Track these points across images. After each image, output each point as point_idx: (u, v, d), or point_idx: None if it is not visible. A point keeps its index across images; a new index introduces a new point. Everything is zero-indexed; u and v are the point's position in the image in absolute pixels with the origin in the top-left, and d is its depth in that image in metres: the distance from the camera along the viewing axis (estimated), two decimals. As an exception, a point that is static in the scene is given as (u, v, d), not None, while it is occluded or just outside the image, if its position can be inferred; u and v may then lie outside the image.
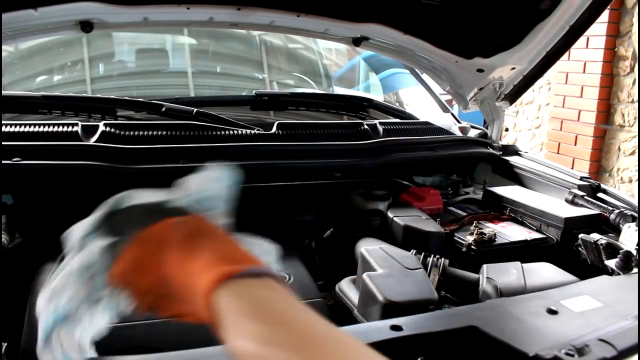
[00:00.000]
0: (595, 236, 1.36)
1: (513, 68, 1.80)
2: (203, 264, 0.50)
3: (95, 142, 1.39)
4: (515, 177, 1.83)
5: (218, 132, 1.54)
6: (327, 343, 0.45)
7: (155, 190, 0.64)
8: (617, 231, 1.40)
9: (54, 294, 0.60)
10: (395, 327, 0.88)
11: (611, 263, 1.26)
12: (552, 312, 0.96)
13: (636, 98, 3.98)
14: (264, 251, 0.65)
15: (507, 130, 5.12)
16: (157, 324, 0.97)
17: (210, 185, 0.69)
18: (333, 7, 1.57)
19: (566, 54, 1.82)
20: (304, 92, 2.31)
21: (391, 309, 1.00)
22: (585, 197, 1.56)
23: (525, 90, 1.94)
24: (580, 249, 1.39)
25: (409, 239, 1.40)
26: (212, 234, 0.55)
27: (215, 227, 0.57)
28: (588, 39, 4.10)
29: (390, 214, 1.49)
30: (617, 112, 4.14)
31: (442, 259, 1.23)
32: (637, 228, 1.34)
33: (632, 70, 4.01)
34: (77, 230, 0.63)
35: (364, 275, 1.10)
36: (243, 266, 0.49)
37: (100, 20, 1.43)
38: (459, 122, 2.15)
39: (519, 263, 1.24)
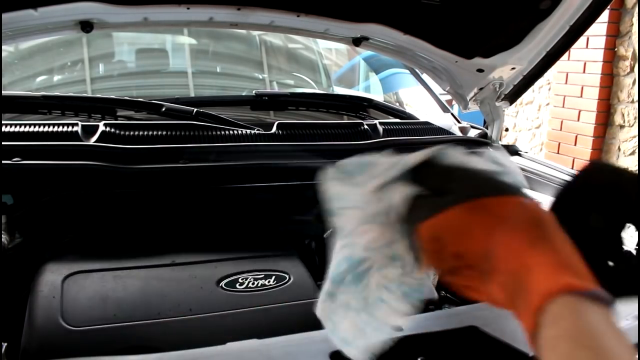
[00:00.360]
0: (595, 236, 1.36)
1: (513, 68, 1.80)
2: (545, 261, 0.45)
3: (95, 142, 1.39)
4: None
5: (218, 132, 1.54)
6: None
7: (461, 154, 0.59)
8: (617, 231, 1.40)
9: (349, 237, 0.56)
10: (395, 327, 0.88)
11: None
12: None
13: (636, 98, 3.98)
14: None
15: (507, 130, 5.13)
16: (157, 324, 0.98)
17: (506, 163, 0.61)
18: (333, 7, 1.57)
19: (566, 54, 1.82)
20: (304, 92, 2.31)
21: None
22: (585, 197, 1.56)
23: (525, 90, 1.94)
24: (580, 249, 1.39)
25: (409, 239, 1.39)
26: (556, 230, 0.50)
27: (556, 223, 0.51)
28: (588, 39, 4.10)
29: (390, 214, 1.49)
30: (617, 112, 4.14)
31: (442, 259, 1.23)
32: (637, 228, 1.34)
33: (632, 70, 4.01)
34: (380, 168, 0.58)
35: (364, 275, 1.10)
36: (588, 284, 0.44)
37: (100, 20, 1.42)
38: (459, 122, 2.15)
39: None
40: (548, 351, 0.42)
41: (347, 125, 1.77)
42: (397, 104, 2.54)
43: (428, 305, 1.04)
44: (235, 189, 1.48)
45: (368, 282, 0.56)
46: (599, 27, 3.99)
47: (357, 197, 0.59)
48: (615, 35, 4.07)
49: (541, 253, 0.46)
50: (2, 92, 1.60)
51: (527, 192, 0.54)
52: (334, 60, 3.39)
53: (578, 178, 0.59)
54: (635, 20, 3.94)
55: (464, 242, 0.51)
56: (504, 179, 0.55)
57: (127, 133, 1.44)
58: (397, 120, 1.98)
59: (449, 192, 0.53)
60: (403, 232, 0.55)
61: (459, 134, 2.04)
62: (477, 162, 0.58)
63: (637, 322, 0.92)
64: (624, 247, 0.52)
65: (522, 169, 1.81)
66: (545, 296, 0.43)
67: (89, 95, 1.95)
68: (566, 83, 4.40)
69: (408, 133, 1.81)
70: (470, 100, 1.97)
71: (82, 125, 1.44)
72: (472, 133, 2.07)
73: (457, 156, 0.58)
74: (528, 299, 0.44)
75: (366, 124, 1.77)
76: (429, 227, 0.53)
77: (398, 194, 0.55)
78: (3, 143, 1.28)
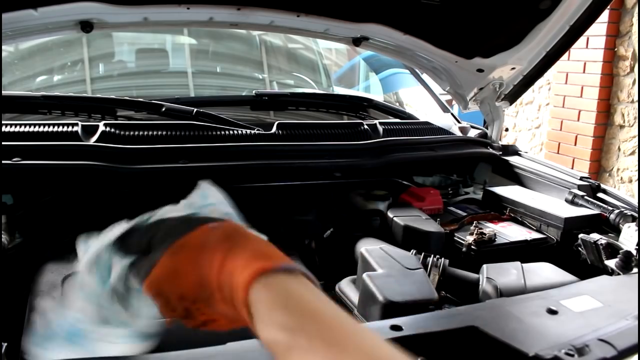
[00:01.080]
0: (595, 236, 1.36)
1: (513, 68, 1.80)
2: (243, 262, 0.52)
3: (95, 142, 1.39)
4: (515, 177, 1.83)
5: (218, 132, 1.54)
6: (352, 335, 0.47)
7: (168, 206, 0.68)
8: (617, 231, 1.40)
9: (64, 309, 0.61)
10: (395, 327, 0.88)
11: (611, 263, 1.26)
12: (552, 312, 0.96)
13: (636, 98, 3.98)
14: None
15: (507, 130, 5.12)
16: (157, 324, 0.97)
17: (212, 197, 0.73)
18: (333, 7, 1.57)
19: (566, 54, 1.82)
20: (304, 92, 2.31)
21: (391, 309, 1.00)
22: (585, 197, 1.56)
23: (525, 90, 1.94)
24: (580, 249, 1.39)
25: (409, 239, 1.40)
26: (246, 234, 0.58)
27: (246, 228, 0.61)
28: (588, 39, 4.10)
29: (390, 214, 1.49)
30: (617, 112, 4.14)
31: (442, 259, 1.23)
32: (637, 228, 1.34)
33: (632, 70, 4.01)
34: (93, 247, 0.65)
35: (364, 275, 1.10)
36: (277, 262, 0.52)
37: (100, 20, 1.42)
38: (459, 122, 2.15)
39: (519, 263, 1.24)
40: (264, 328, 0.48)
41: (347, 125, 1.77)
42: (397, 104, 2.54)
43: (428, 305, 1.04)
44: (235, 188, 1.48)
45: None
46: (599, 27, 3.99)
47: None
48: (615, 35, 4.07)
49: (235, 257, 0.53)
50: (2, 92, 1.60)
51: (226, 214, 0.65)
52: (334, 60, 3.39)
53: None
54: (635, 20, 3.94)
55: (179, 282, 0.56)
56: (199, 215, 0.63)
57: (127, 133, 1.44)
58: (397, 120, 1.98)
59: (152, 249, 0.59)
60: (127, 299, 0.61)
61: (459, 134, 2.04)
62: (172, 211, 0.66)
63: (637, 322, 0.92)
64: None
65: (522, 169, 1.82)
66: (245, 284, 0.49)
67: (89, 95, 1.95)
68: (566, 83, 4.40)
69: (408, 133, 1.81)
70: (470, 100, 1.97)
71: (82, 125, 1.44)
72: (472, 133, 2.07)
73: (152, 215, 0.65)
74: (238, 295, 0.50)
75: (366, 124, 1.77)
76: (149, 286, 0.58)
77: (117, 264, 0.61)
78: (3, 143, 1.28)
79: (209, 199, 0.71)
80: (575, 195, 1.57)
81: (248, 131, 1.57)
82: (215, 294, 0.54)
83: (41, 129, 1.40)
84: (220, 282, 0.53)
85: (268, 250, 0.56)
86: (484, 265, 1.22)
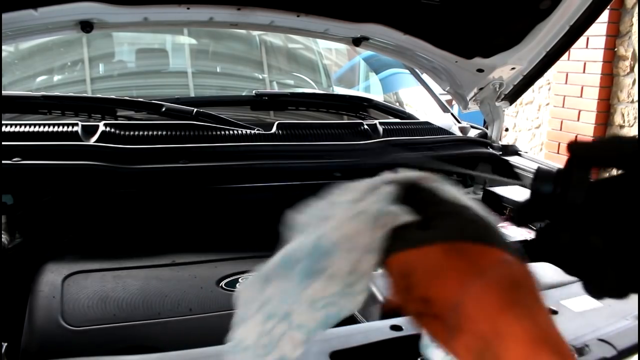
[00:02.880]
0: (595, 236, 1.36)
1: (513, 68, 1.80)
2: (521, 332, 0.41)
3: (95, 142, 1.39)
4: (515, 176, 1.83)
5: (218, 132, 1.54)
6: None
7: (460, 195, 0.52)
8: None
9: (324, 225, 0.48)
10: (395, 327, 0.88)
11: (611, 263, 1.26)
12: (552, 312, 0.96)
13: (636, 98, 3.98)
14: None
15: (507, 130, 5.12)
16: (157, 324, 0.98)
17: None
18: (333, 7, 1.58)
19: (566, 54, 1.82)
20: (304, 92, 2.31)
21: (391, 308, 1.00)
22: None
23: (525, 90, 1.94)
24: (580, 249, 1.39)
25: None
26: (535, 297, 0.45)
27: (536, 286, 0.46)
28: (588, 39, 4.10)
29: (390, 214, 1.49)
30: (617, 112, 4.14)
31: (442, 259, 1.23)
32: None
33: (632, 70, 4.01)
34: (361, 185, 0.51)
35: (364, 275, 1.10)
36: (560, 356, 0.40)
37: (100, 20, 1.43)
38: (459, 122, 2.15)
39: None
40: None
41: (347, 125, 1.77)
42: (397, 104, 2.54)
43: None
44: (235, 189, 1.48)
45: (312, 283, 0.47)
46: (599, 27, 3.99)
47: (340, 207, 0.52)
48: (615, 35, 4.07)
49: (516, 321, 0.42)
50: (2, 92, 1.60)
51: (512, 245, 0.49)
52: (334, 60, 3.39)
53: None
54: (635, 20, 3.94)
55: (434, 286, 0.45)
56: (499, 231, 0.49)
57: (127, 133, 1.44)
58: (397, 120, 1.98)
59: (431, 227, 0.47)
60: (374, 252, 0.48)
61: (459, 134, 2.04)
62: (468, 199, 0.51)
63: (637, 322, 0.92)
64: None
65: (522, 169, 1.82)
66: None
67: (89, 95, 1.95)
68: (566, 83, 4.40)
69: (408, 133, 1.81)
70: (470, 100, 1.97)
71: (82, 125, 1.44)
72: (472, 133, 2.07)
73: (448, 188, 0.52)
74: None
75: (366, 124, 1.77)
76: (400, 261, 0.47)
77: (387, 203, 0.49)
78: (3, 143, 1.28)
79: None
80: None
81: (248, 131, 1.57)
82: (463, 335, 0.43)
83: (41, 129, 1.40)
84: (479, 331, 0.42)
85: (555, 337, 0.42)
86: (484, 265, 1.22)
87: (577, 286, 1.15)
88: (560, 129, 4.49)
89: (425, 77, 2.21)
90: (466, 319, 0.43)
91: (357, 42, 1.77)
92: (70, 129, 1.42)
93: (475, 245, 0.46)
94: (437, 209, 0.49)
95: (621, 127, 4.12)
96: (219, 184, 1.44)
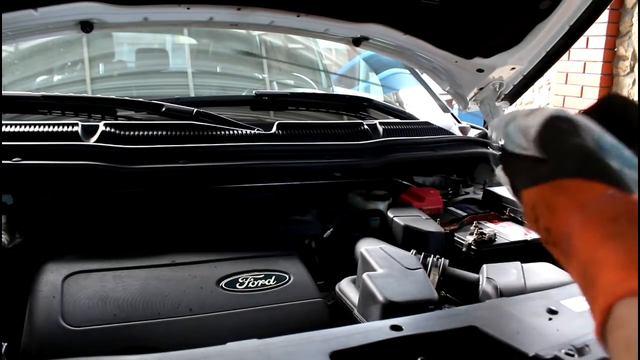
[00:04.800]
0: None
1: (513, 68, 1.80)
2: (615, 260, 0.45)
3: (95, 142, 1.39)
4: None
5: (218, 132, 1.54)
6: None
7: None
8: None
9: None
10: (395, 327, 0.88)
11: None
12: (552, 312, 0.96)
13: (636, 98, 3.99)
14: None
15: (507, 130, 5.11)
16: (157, 324, 0.98)
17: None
18: (333, 7, 1.58)
19: (566, 54, 1.82)
20: (304, 92, 2.31)
21: (391, 309, 1.00)
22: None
23: (525, 90, 1.94)
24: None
25: (409, 239, 1.40)
26: (633, 229, 0.47)
27: (635, 220, 0.48)
28: (588, 39, 4.10)
29: (390, 214, 1.49)
30: (617, 112, 4.14)
31: (442, 259, 1.23)
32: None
33: (632, 70, 4.01)
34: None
35: (364, 275, 1.10)
36: None
37: (100, 20, 1.43)
38: (459, 122, 2.15)
39: (519, 263, 1.24)
40: (619, 353, 0.43)
41: (347, 125, 1.77)
42: (397, 104, 2.54)
43: (428, 305, 1.04)
44: (235, 189, 1.48)
45: None
46: (599, 27, 3.99)
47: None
48: (615, 35, 4.07)
49: (612, 250, 0.46)
50: (2, 92, 1.60)
51: (628, 175, 0.51)
52: (334, 60, 3.39)
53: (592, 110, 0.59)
54: (635, 20, 3.94)
55: (550, 218, 0.53)
56: (607, 162, 0.51)
57: (127, 133, 1.44)
58: (397, 120, 1.98)
59: (549, 164, 0.54)
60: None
61: (459, 134, 2.04)
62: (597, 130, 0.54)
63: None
64: None
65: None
66: (611, 297, 0.44)
67: (89, 95, 1.95)
68: (566, 83, 4.40)
69: (408, 133, 1.81)
70: (470, 100, 1.97)
71: (82, 125, 1.44)
72: (472, 133, 2.07)
73: (583, 124, 0.55)
74: (595, 295, 0.46)
75: (366, 124, 1.77)
76: (526, 197, 0.56)
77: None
78: (3, 143, 1.28)
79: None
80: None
81: (248, 131, 1.57)
82: (572, 260, 0.50)
83: (41, 129, 1.40)
84: (581, 258, 0.48)
85: None
86: (484, 265, 1.23)
87: (577, 286, 1.15)
88: (560, 129, 4.50)
89: (425, 77, 2.21)
90: (573, 248, 0.50)
91: (357, 42, 1.78)
92: (70, 129, 1.42)
93: (575, 181, 0.51)
94: (556, 147, 0.55)
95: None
96: (219, 184, 1.44)
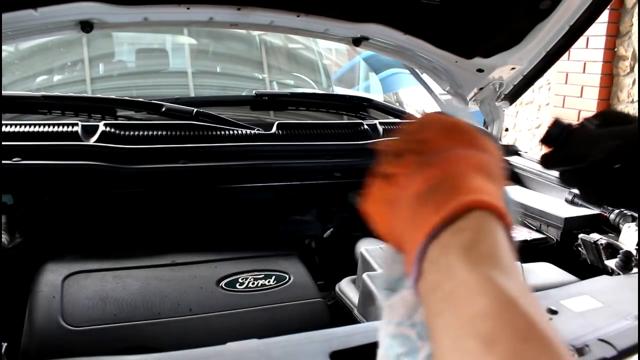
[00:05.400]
0: (595, 236, 1.36)
1: (513, 68, 1.80)
2: (481, 184, 0.46)
3: (95, 142, 1.39)
4: (515, 177, 1.83)
5: (218, 132, 1.54)
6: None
7: None
8: (617, 231, 1.40)
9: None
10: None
11: (611, 263, 1.26)
12: (552, 312, 0.96)
13: (636, 98, 3.98)
14: None
15: (507, 130, 5.12)
16: (157, 324, 0.98)
17: None
18: (333, 7, 1.57)
19: (566, 54, 1.82)
20: (304, 92, 2.31)
21: (391, 309, 1.00)
22: (585, 197, 1.56)
23: (525, 90, 1.94)
24: (580, 249, 1.39)
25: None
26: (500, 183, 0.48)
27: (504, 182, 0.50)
28: (588, 39, 4.10)
29: (390, 214, 1.49)
30: (617, 112, 4.14)
31: (442, 259, 1.23)
32: (637, 228, 1.34)
33: (632, 70, 4.01)
34: None
35: (364, 275, 1.10)
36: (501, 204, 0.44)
37: (100, 20, 1.43)
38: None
39: (519, 263, 1.24)
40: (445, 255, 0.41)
41: (347, 125, 1.77)
42: (397, 104, 2.54)
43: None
44: (235, 189, 1.48)
45: None
46: (599, 27, 3.99)
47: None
48: (615, 35, 4.07)
49: (481, 179, 0.46)
50: (2, 92, 1.60)
51: None
52: (334, 60, 3.39)
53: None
54: (635, 20, 3.94)
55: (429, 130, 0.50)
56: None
57: (127, 133, 1.44)
58: (397, 120, 1.98)
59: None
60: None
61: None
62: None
63: (637, 322, 0.92)
64: None
65: (522, 169, 1.82)
66: (466, 203, 0.43)
67: (89, 95, 1.95)
68: (566, 83, 4.40)
69: (408, 133, 1.81)
70: (470, 100, 1.97)
71: (82, 125, 1.44)
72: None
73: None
74: (451, 196, 0.44)
75: (366, 124, 1.77)
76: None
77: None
78: (3, 143, 1.28)
79: None
80: (575, 195, 1.57)
81: (248, 131, 1.57)
82: (429, 169, 0.48)
83: (41, 129, 1.40)
84: (448, 170, 0.47)
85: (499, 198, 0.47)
86: (484, 265, 1.22)
87: (577, 286, 1.15)
88: (560, 129, 4.49)
89: (425, 77, 2.21)
90: (441, 161, 0.48)
91: (357, 42, 1.77)
92: (70, 129, 1.42)
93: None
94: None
95: (621, 127, 4.12)
96: (219, 184, 1.44)
